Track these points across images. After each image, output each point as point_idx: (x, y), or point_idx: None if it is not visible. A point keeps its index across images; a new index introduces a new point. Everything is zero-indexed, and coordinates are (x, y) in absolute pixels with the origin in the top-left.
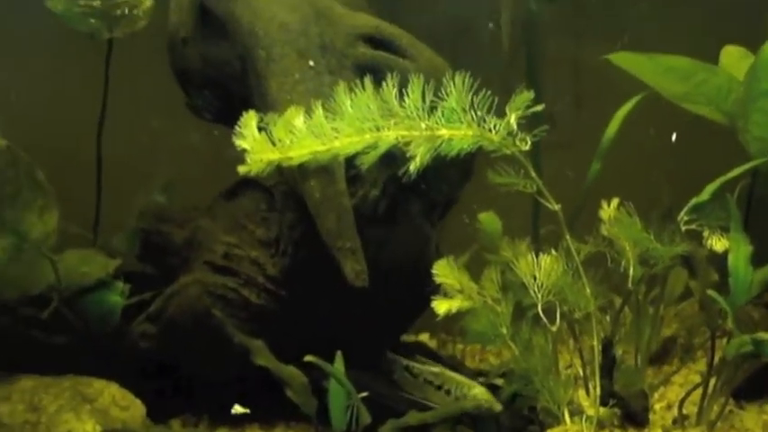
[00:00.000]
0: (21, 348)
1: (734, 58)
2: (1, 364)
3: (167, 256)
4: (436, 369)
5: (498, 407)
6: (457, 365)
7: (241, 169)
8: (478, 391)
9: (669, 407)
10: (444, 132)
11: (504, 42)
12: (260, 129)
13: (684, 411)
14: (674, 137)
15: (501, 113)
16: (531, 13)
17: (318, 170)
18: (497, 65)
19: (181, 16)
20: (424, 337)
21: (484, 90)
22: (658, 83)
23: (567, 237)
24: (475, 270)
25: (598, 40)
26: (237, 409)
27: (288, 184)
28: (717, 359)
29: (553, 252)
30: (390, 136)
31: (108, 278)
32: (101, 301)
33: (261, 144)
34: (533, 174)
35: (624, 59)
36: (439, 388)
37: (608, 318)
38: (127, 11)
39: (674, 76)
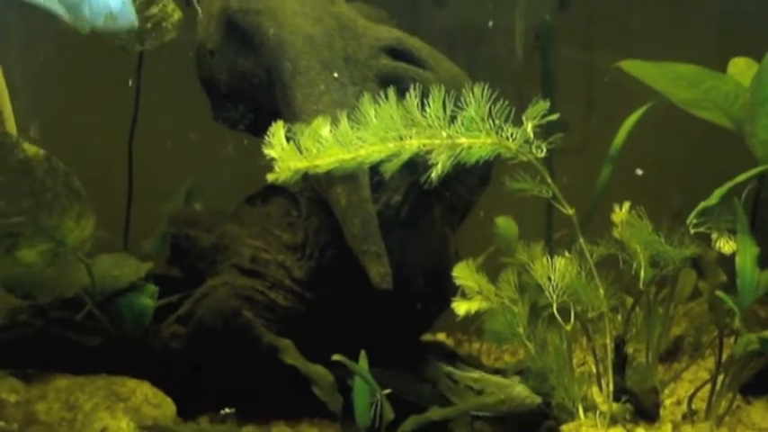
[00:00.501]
0: (55, 349)
1: (741, 68)
2: (36, 363)
3: (196, 259)
4: (476, 374)
5: (538, 399)
6: (475, 363)
7: (270, 177)
8: (520, 389)
9: (679, 402)
10: (464, 141)
11: (517, 50)
12: (287, 138)
13: (693, 407)
14: (639, 172)
15: (516, 120)
16: (545, 22)
17: (344, 177)
18: (512, 72)
19: (208, 29)
20: (441, 336)
21: (501, 99)
22: (668, 89)
23: (581, 240)
24: (490, 269)
25: (609, 48)
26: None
27: (313, 190)
28: (725, 357)
29: (567, 254)
30: (413, 144)
31: (139, 281)
32: (133, 304)
33: (289, 153)
34: (549, 180)
35: (635, 67)
36: (480, 393)
37: (620, 317)
38: (156, 24)
39: (683, 82)
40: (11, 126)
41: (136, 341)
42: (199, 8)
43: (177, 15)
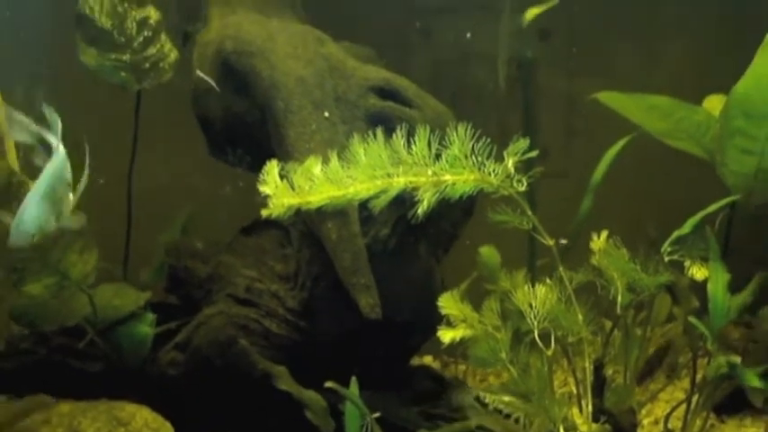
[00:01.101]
0: (57, 375)
1: (714, 105)
2: (39, 389)
3: (193, 288)
4: (507, 398)
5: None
6: (459, 384)
7: (264, 212)
8: None
9: (656, 422)
10: (449, 178)
11: (500, 80)
12: (281, 176)
13: (670, 426)
14: (562, 241)
15: (498, 148)
16: (526, 58)
17: (334, 213)
18: (495, 100)
19: (203, 68)
20: (428, 359)
21: (483, 136)
22: (643, 120)
23: (561, 268)
24: (473, 293)
25: (589, 76)
26: None
27: (305, 224)
28: (699, 378)
29: (548, 281)
30: (400, 182)
31: (139, 310)
32: (133, 332)
33: (282, 190)
34: (529, 212)
35: (611, 98)
36: (508, 416)
37: (599, 340)
38: (154, 64)
39: (656, 113)
40: (12, 159)
41: (135, 367)
42: (211, 81)
43: (174, 56)
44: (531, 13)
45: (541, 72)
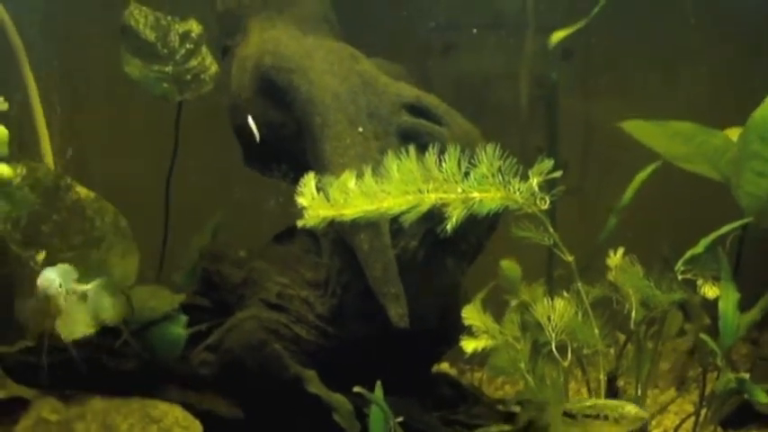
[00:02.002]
0: (92, 372)
1: (733, 135)
2: (74, 385)
3: (226, 293)
4: (589, 402)
5: (645, 414)
6: (477, 392)
7: (300, 222)
8: (630, 408)
9: None
10: (477, 195)
11: (522, 98)
12: (317, 188)
13: None
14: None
15: (520, 164)
16: (550, 79)
17: (367, 225)
18: (517, 117)
19: (242, 81)
20: (445, 366)
21: (509, 155)
22: (665, 147)
23: (579, 283)
24: (492, 300)
25: (606, 94)
26: None
27: (337, 233)
28: (708, 391)
29: (565, 295)
30: (431, 198)
31: (173, 312)
32: (167, 333)
33: (318, 202)
34: (551, 229)
35: (635, 128)
36: (597, 417)
37: (612, 352)
38: (195, 76)
39: (679, 139)
40: (48, 162)
41: (168, 366)
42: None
43: (214, 68)
44: (557, 35)
45: (561, 91)
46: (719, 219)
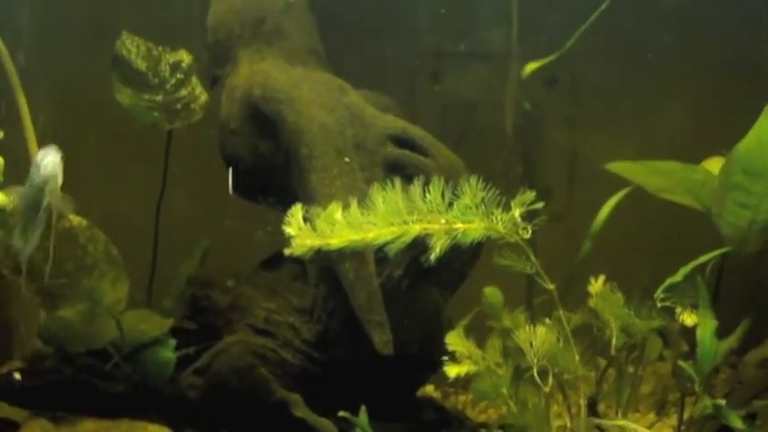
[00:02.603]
0: (82, 394)
1: (713, 167)
2: (65, 406)
3: (214, 317)
4: (621, 422)
5: None
6: (460, 416)
7: (287, 251)
8: None
9: None
10: (460, 225)
11: (507, 127)
12: (304, 219)
13: None
14: None
15: (502, 188)
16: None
17: (353, 254)
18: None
19: (231, 110)
20: (430, 389)
21: (488, 178)
22: (645, 181)
23: (560, 310)
24: (476, 324)
25: (590, 122)
26: None
27: (323, 261)
28: (686, 416)
29: (547, 321)
30: (415, 228)
31: (163, 336)
32: (157, 356)
33: (305, 232)
34: (532, 258)
35: (622, 168)
36: None
37: (593, 377)
38: (185, 105)
39: (660, 174)
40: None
41: (157, 389)
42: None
43: (204, 98)
44: (530, 67)
45: (546, 118)
46: (698, 245)
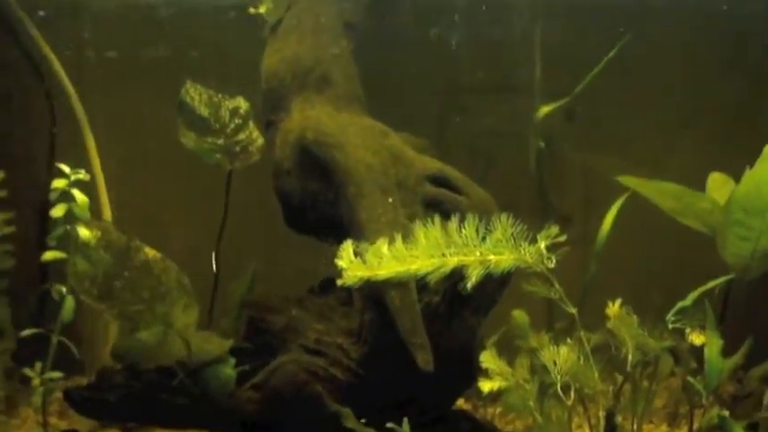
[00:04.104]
0: (149, 407)
1: (717, 183)
2: (133, 418)
3: (270, 337)
4: None
5: None
6: (491, 427)
7: (339, 282)
8: None
9: None
10: (492, 257)
11: (531, 159)
12: (355, 253)
13: None
14: None
15: (527, 217)
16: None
17: (398, 284)
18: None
19: (285, 152)
20: (461, 402)
21: (520, 222)
22: (658, 200)
23: (581, 331)
24: (505, 346)
25: (606, 150)
26: None
27: (368, 289)
28: (696, 427)
29: (568, 341)
30: (453, 260)
31: (224, 355)
32: (219, 373)
33: (356, 265)
34: (556, 285)
35: (631, 182)
36: None
37: (611, 391)
38: (244, 148)
39: (669, 196)
40: (107, 215)
41: (218, 403)
42: None
43: (260, 141)
44: (543, 111)
45: (566, 148)
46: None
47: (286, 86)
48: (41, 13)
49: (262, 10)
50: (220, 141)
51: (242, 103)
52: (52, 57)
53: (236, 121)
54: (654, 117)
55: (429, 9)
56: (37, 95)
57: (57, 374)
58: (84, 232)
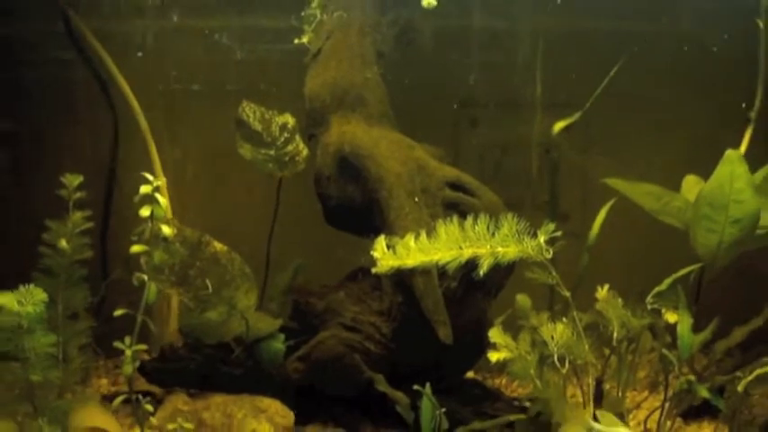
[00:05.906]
0: (209, 377)
1: (690, 185)
2: (196, 385)
3: (312, 318)
4: (622, 430)
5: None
6: (498, 393)
7: (374, 270)
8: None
9: (639, 424)
10: (501, 250)
11: (533, 165)
12: (387, 246)
13: (648, 427)
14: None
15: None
16: (550, 157)
17: (422, 271)
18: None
19: (325, 161)
20: (470, 374)
21: (523, 219)
22: (641, 201)
23: (575, 312)
24: (510, 324)
25: (602, 150)
26: None
27: (397, 276)
28: (670, 392)
29: (564, 320)
30: (468, 252)
31: (275, 332)
32: (270, 347)
33: (388, 255)
34: (553, 272)
35: (616, 184)
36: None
37: (600, 363)
38: (292, 158)
39: (651, 197)
40: (168, 214)
41: (269, 372)
42: None
43: (306, 152)
44: (558, 126)
45: (566, 154)
46: (683, 257)
47: (326, 106)
48: (139, 54)
49: (305, 40)
50: (272, 152)
51: (290, 120)
52: (122, 80)
53: (285, 134)
54: (643, 125)
55: (445, 38)
56: (104, 110)
57: (142, 346)
58: (166, 229)
